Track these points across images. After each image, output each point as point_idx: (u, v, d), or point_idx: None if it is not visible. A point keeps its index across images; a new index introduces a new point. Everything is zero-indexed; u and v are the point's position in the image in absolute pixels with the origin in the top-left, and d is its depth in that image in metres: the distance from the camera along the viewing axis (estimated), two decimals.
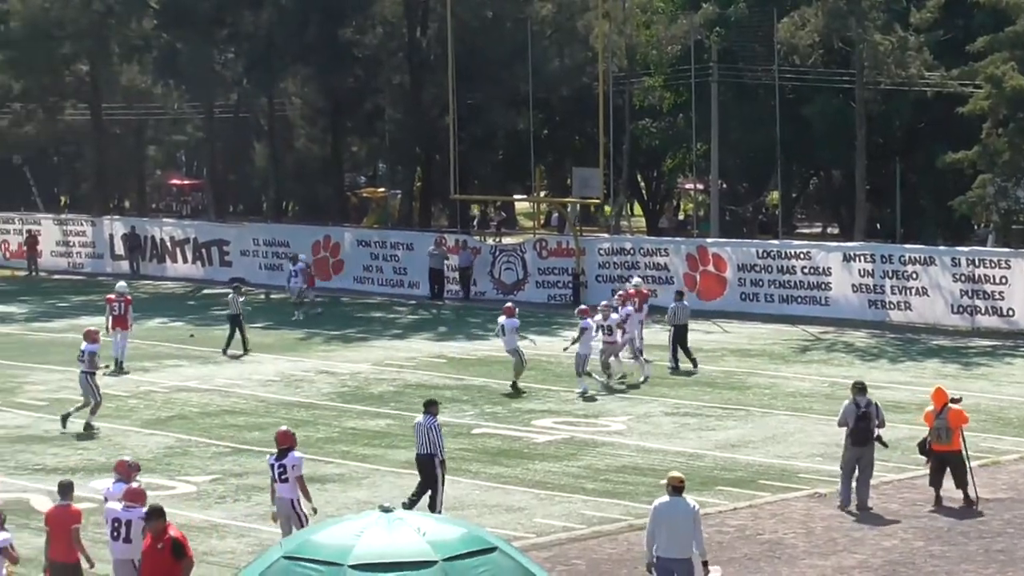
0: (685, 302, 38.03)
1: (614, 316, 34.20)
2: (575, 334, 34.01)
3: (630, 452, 27.46)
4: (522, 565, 11.19)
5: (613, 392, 33.44)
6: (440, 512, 22.00)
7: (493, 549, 11.18)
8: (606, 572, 20.22)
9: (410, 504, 22.15)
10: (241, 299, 40.06)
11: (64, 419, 29.89)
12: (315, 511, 20.00)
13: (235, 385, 34.30)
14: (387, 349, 40.58)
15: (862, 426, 23.15)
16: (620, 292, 38.39)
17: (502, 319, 34.40)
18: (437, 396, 32.64)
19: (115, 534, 17.66)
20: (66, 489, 18.24)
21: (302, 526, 19.66)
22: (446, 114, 55.34)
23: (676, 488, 17.44)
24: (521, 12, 59.33)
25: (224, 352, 39.06)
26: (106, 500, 18.47)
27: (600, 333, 33.84)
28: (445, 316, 47.97)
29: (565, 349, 34.99)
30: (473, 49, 57.03)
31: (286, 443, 20.39)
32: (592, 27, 57.70)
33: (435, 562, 10.68)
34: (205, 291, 55.06)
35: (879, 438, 23.44)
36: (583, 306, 36.36)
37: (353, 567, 10.62)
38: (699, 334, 42.73)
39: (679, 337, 36.85)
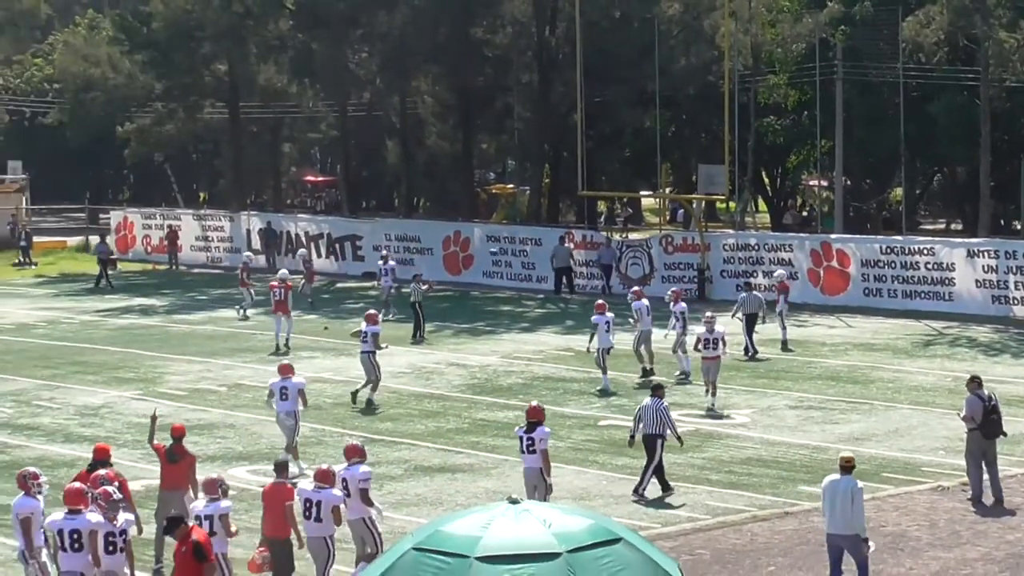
0: (755, 292, 39.18)
1: (719, 329, 31.20)
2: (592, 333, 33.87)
3: (754, 444, 27.39)
4: (647, 555, 11.15)
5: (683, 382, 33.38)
6: (644, 484, 23.50)
7: (618, 540, 11.14)
8: (730, 562, 20.21)
9: (637, 487, 23.64)
10: (424, 287, 41.16)
11: (353, 396, 31.69)
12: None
13: (334, 374, 34.52)
14: (515, 342, 40.72)
15: (993, 419, 22.99)
16: (673, 289, 38.08)
17: (594, 317, 33.99)
18: (564, 388, 32.92)
19: (307, 514, 18.26)
20: (281, 468, 19.05)
21: (548, 493, 21.27)
22: (574, 112, 55.38)
23: (844, 468, 18.18)
24: (648, 11, 59.20)
25: (415, 338, 40.25)
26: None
27: (703, 347, 31.06)
28: (572, 310, 48.00)
29: (588, 351, 34.24)
30: (601, 48, 57.00)
31: (536, 417, 21.52)
32: (718, 26, 57.53)
33: (559, 554, 10.67)
34: (338, 285, 55.49)
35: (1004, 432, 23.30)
36: (600, 301, 35.99)
37: (480, 559, 10.63)
38: (823, 328, 42.62)
39: (750, 326, 37.53)
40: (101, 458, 19.65)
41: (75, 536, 17.00)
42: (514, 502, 11.16)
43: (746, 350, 37.21)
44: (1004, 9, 52.22)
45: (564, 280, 51.38)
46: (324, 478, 18.29)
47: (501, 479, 24.84)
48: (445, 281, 52.79)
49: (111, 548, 17.06)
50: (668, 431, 23.72)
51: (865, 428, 28.95)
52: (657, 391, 24.27)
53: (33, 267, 64.67)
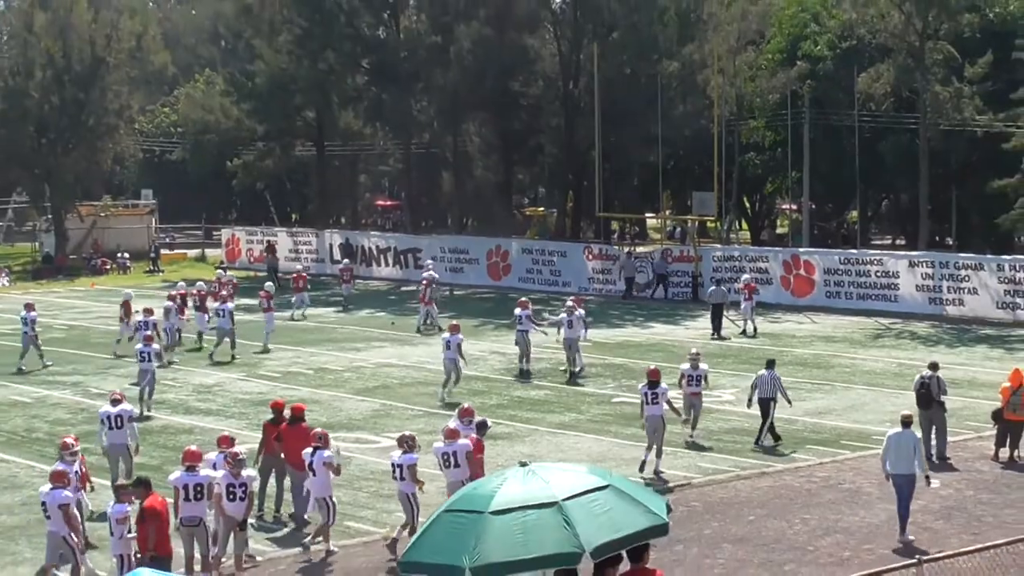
0: (721, 287, 41.22)
1: (703, 366, 25.37)
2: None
3: (738, 417, 27.25)
4: (632, 496, 11.02)
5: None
6: (762, 437, 24.63)
7: (607, 487, 11.05)
8: (719, 512, 20.11)
9: (758, 436, 24.67)
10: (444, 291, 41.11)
11: (522, 372, 32.66)
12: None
13: (426, 362, 34.51)
14: (544, 335, 40.55)
15: (922, 392, 23.48)
16: (572, 298, 35.46)
17: (517, 310, 33.84)
18: (586, 373, 32.80)
19: (447, 463, 18.57)
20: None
21: (663, 438, 22.67)
22: (593, 149, 55.23)
23: (905, 423, 18.99)
24: (653, 69, 59.03)
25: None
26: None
27: (687, 383, 25.07)
28: (592, 309, 47.84)
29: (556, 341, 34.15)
30: (615, 98, 56.85)
31: (655, 377, 22.82)
32: (709, 81, 57.33)
33: (556, 502, 10.64)
34: (402, 288, 55.52)
35: (941, 403, 23.44)
36: (523, 299, 36.11)
37: (492, 512, 10.64)
38: (793, 324, 42.43)
39: (716, 313, 40.00)
40: (294, 413, 20.22)
41: (197, 488, 16.96)
42: (523, 465, 11.10)
43: (713, 333, 39.26)
44: (939, 67, 52.13)
45: (630, 286, 50.54)
46: (452, 435, 18.72)
47: (533, 445, 24.77)
48: (488, 285, 52.77)
49: (232, 496, 17.06)
50: (779, 395, 24.53)
51: (827, 404, 28.81)
52: (770, 364, 24.93)
53: (160, 274, 64.91)
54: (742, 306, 40.80)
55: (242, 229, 69.20)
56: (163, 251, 70.29)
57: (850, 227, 70.33)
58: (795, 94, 58.31)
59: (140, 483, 16.39)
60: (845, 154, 57.45)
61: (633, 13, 60.26)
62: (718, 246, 56.10)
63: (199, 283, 41.98)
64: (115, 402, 21.44)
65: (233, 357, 35.60)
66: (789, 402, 24.92)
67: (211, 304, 39.70)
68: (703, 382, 25.16)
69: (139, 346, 29.27)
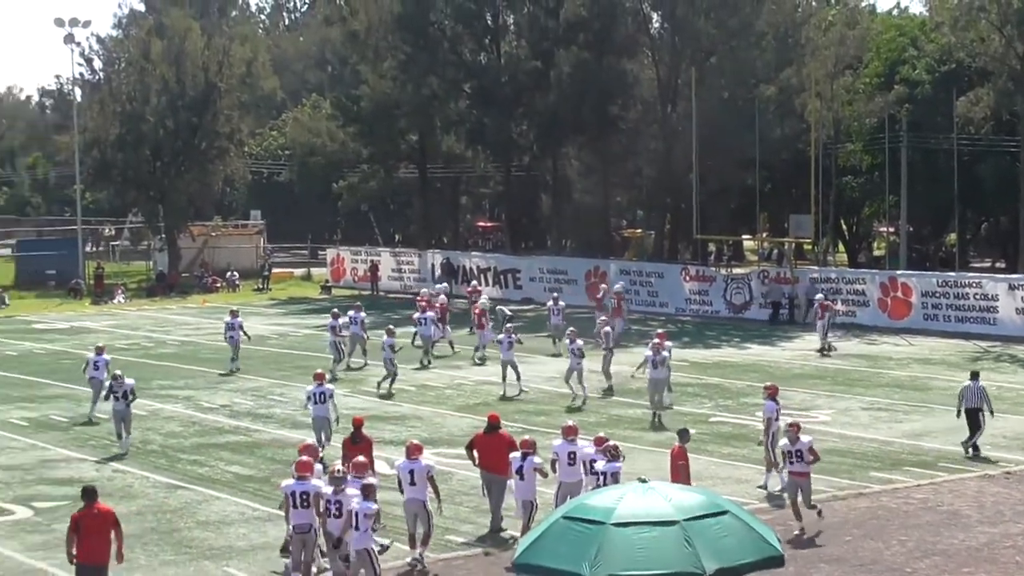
0: (776, 284, 45.01)
1: (665, 353, 29.60)
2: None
3: (833, 439, 26.98)
4: (749, 525, 11.10)
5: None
6: (972, 441, 24.98)
7: (725, 512, 11.12)
8: (815, 532, 19.90)
9: (967, 443, 25.00)
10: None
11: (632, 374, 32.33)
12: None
13: (526, 381, 34.48)
14: (641, 355, 40.38)
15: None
16: (657, 334, 32.33)
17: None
18: (680, 391, 32.61)
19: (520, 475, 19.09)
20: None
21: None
22: (690, 172, 55.06)
23: (973, 375, 22.77)
24: (750, 93, 58.78)
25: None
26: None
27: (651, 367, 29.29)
28: (689, 330, 47.69)
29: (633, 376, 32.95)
30: (712, 122, 56.65)
31: (774, 394, 23.30)
32: (806, 104, 56.95)
33: (677, 522, 10.70)
34: (499, 307, 55.52)
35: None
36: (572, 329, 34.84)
37: (614, 524, 10.74)
38: (889, 346, 41.93)
39: (775, 309, 42.92)
40: (490, 422, 21.02)
41: (304, 497, 17.20)
42: (643, 481, 11.18)
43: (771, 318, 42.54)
44: None
45: (775, 312, 49.27)
46: (528, 445, 19.28)
47: (630, 463, 24.56)
48: (587, 305, 52.66)
49: (328, 512, 17.17)
50: (985, 406, 24.86)
51: (924, 426, 28.40)
52: (975, 376, 25.54)
53: (268, 291, 65.76)
54: (816, 325, 41.07)
55: (347, 249, 69.85)
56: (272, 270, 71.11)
57: (948, 250, 69.32)
58: (892, 118, 57.72)
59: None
60: (943, 177, 56.68)
61: (731, 38, 60.09)
62: (815, 268, 55.58)
63: (441, 297, 44.61)
64: (319, 381, 25.25)
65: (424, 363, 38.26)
66: (992, 413, 25.13)
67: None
68: (666, 365, 29.12)
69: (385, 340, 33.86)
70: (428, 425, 28.75)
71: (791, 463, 19.91)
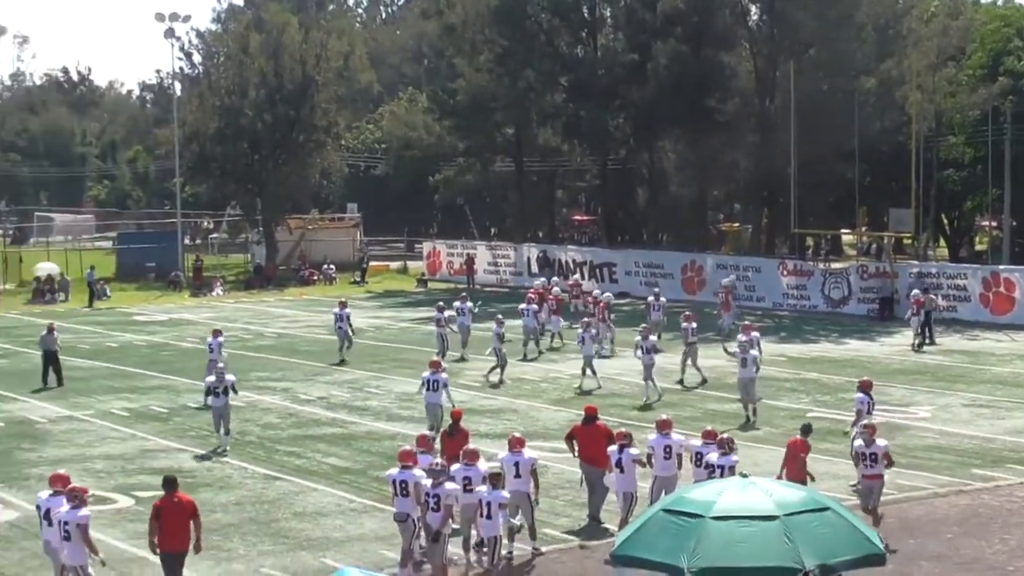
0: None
1: (652, 338, 31.66)
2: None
3: (934, 435, 26.64)
4: (851, 523, 11.03)
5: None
6: None
7: (827, 508, 11.06)
8: (915, 529, 19.68)
9: None
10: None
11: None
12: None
13: (620, 375, 34.50)
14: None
15: None
16: (744, 326, 32.75)
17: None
18: (778, 387, 32.36)
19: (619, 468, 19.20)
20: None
21: None
22: (788, 165, 54.55)
23: None
24: (850, 85, 58.06)
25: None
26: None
27: (642, 353, 30.79)
28: (785, 324, 47.29)
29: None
30: (811, 114, 56.07)
31: (868, 387, 23.07)
32: (907, 97, 56.19)
33: (777, 517, 10.67)
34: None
35: None
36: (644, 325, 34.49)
37: (713, 518, 10.74)
38: (991, 342, 41.26)
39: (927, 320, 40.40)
40: (588, 414, 21.30)
41: (403, 485, 17.33)
42: (744, 476, 11.15)
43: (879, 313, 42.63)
44: None
45: (887, 310, 48.29)
46: (625, 437, 19.27)
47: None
48: (683, 300, 52.42)
49: (426, 506, 17.24)
50: None
51: None
52: None
53: (365, 284, 66.26)
54: (911, 321, 40.59)
55: (442, 242, 70.19)
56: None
57: None
58: (996, 110, 56.74)
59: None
60: None
61: (831, 30, 59.39)
62: (915, 263, 54.83)
63: (555, 288, 45.05)
64: (434, 369, 25.96)
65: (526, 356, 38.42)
66: None
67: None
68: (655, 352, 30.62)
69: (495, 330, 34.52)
70: (523, 418, 28.80)
71: (867, 466, 19.10)
